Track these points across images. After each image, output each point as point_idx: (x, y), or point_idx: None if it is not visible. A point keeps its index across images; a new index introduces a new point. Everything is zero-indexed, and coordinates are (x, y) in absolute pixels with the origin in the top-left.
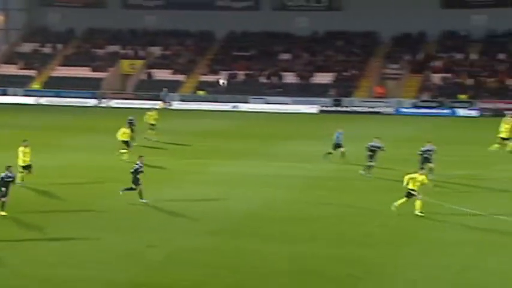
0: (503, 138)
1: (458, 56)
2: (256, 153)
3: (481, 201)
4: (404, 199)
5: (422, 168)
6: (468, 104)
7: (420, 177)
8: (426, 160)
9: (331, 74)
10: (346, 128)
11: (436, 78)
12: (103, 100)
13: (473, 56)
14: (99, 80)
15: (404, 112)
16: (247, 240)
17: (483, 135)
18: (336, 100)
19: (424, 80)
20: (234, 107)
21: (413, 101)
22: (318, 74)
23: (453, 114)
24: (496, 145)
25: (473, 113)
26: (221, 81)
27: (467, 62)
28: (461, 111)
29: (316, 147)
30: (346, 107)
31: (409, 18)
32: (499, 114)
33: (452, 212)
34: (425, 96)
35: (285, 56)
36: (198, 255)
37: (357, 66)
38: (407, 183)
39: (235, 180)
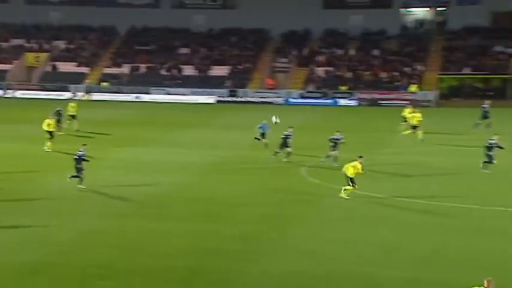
0: (414, 127)
1: (339, 51)
2: (158, 140)
3: (367, 183)
4: (351, 186)
5: (328, 156)
6: (348, 95)
7: (359, 165)
8: (334, 148)
9: (226, 67)
10: (241, 117)
11: (320, 71)
12: (8, 91)
13: (352, 52)
14: (4, 71)
15: (293, 102)
16: (152, 222)
17: (362, 122)
18: (231, 91)
19: (309, 73)
20: (137, 97)
21: (301, 92)
22: (214, 67)
23: (335, 103)
24: (408, 131)
25: (353, 102)
26: (274, 119)
27: (346, 57)
28: (342, 101)
29: (213, 134)
30: (241, 97)
31: (296, 17)
32: (375, 103)
33: (336, 193)
34: (310, 88)
35: (184, 51)
36: (105, 237)
37: (250, 60)
38: (347, 170)
39: (139, 165)
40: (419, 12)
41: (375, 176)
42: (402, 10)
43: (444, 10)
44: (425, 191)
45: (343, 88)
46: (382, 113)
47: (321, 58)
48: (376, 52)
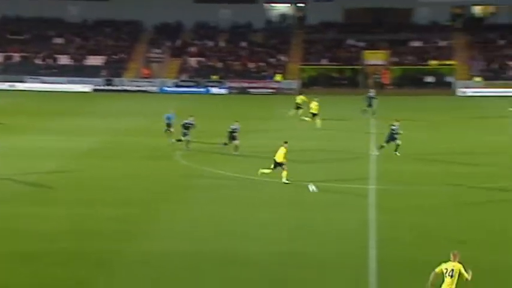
0: (314, 114)
1: (210, 43)
2: (37, 128)
3: (238, 165)
4: (271, 169)
5: (225, 144)
6: (219, 84)
7: (284, 150)
8: (233, 138)
9: (102, 57)
10: (118, 105)
11: (193, 61)
12: None
13: (222, 44)
14: None
15: (167, 90)
16: (33, 207)
17: (232, 109)
18: (107, 80)
19: (182, 63)
20: (11, 86)
21: (175, 81)
22: (90, 56)
23: (207, 92)
24: (307, 118)
25: (223, 91)
26: (311, 188)
27: (217, 49)
28: (214, 90)
29: (91, 122)
30: (117, 86)
31: (168, 10)
32: (244, 92)
33: (210, 176)
34: (184, 77)
35: (59, 40)
36: None
37: (125, 50)
38: (277, 157)
39: (15, 153)
40: (282, 8)
41: (245, 159)
42: (266, 5)
43: (303, 6)
44: (294, 173)
45: (215, 77)
46: (251, 101)
47: (193, 49)
48: (244, 44)
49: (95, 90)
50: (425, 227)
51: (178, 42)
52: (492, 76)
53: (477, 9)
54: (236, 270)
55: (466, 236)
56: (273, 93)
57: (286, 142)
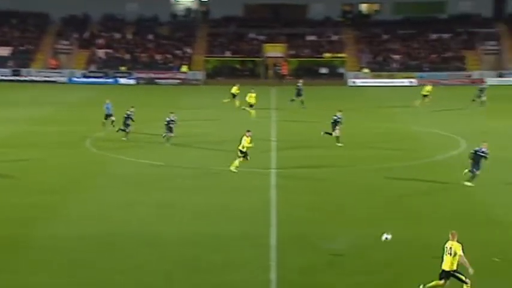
0: (251, 105)
1: (117, 35)
2: None
3: (144, 152)
4: (241, 159)
5: (164, 136)
6: (127, 74)
7: (247, 139)
8: (169, 129)
9: (8, 48)
10: (25, 95)
11: (101, 53)
12: None
13: (129, 36)
14: None
15: (76, 81)
16: None
17: (140, 99)
18: (14, 70)
19: (90, 54)
20: None
21: (83, 72)
22: None
23: (116, 82)
24: (249, 109)
25: (131, 81)
26: (385, 237)
27: (124, 41)
28: (122, 80)
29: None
30: (25, 76)
31: (75, 2)
32: (152, 82)
33: (120, 163)
34: (92, 68)
35: None
36: None
37: (32, 42)
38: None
39: None
40: (187, 2)
41: (155, 147)
42: (172, 0)
43: (207, 1)
44: (199, 159)
45: (123, 68)
46: (158, 91)
47: (101, 41)
48: (150, 36)
49: (1, 80)
50: (322, 206)
51: (86, 34)
52: (378, 68)
53: (364, 7)
54: (148, 250)
55: (360, 212)
56: (179, 84)
57: (249, 131)
